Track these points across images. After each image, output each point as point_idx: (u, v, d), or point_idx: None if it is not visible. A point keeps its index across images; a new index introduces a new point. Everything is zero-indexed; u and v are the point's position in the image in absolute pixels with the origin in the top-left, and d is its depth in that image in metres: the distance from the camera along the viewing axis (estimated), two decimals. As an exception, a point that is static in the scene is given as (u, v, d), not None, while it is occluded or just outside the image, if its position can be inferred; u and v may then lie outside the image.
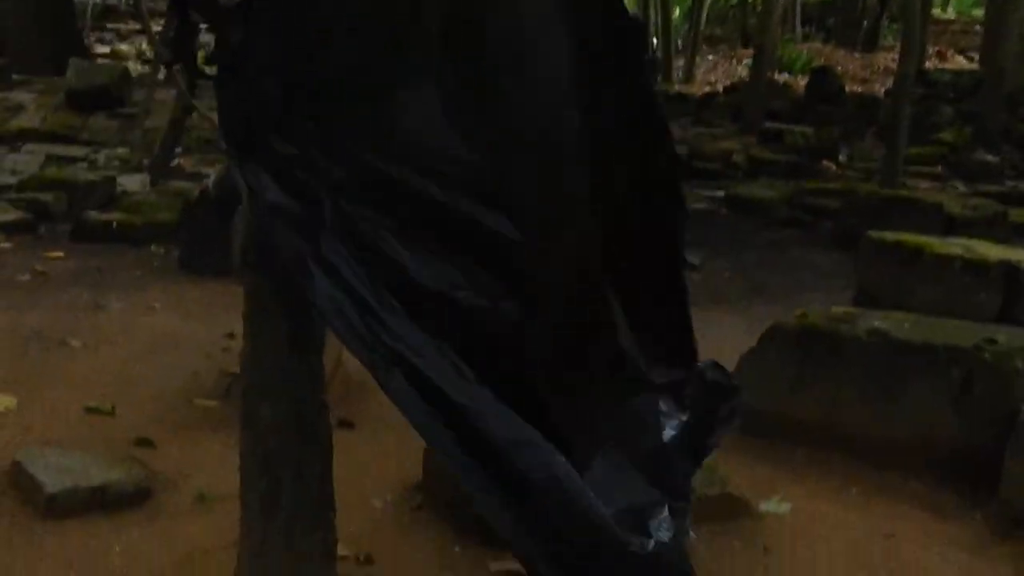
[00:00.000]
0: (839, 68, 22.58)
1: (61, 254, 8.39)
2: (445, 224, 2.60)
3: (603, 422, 2.90)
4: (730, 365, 5.28)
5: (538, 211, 2.70)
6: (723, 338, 6.54)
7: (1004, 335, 4.71)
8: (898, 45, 14.99)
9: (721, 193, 12.84)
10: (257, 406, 3.07)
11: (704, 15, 26.62)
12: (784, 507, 4.32)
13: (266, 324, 3.02)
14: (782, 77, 22.71)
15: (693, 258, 9.40)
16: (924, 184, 13.34)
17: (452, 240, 2.60)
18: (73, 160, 12.52)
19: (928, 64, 22.38)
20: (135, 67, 17.82)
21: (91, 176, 10.85)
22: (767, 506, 4.31)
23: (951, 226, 9.47)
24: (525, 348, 2.65)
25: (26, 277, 7.63)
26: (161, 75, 13.00)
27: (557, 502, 2.54)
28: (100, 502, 3.95)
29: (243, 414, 3.15)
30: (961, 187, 13.41)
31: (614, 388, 2.96)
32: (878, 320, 4.93)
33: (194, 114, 11.34)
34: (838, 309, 5.16)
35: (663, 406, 3.06)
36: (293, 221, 2.60)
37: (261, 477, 3.10)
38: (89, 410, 4.97)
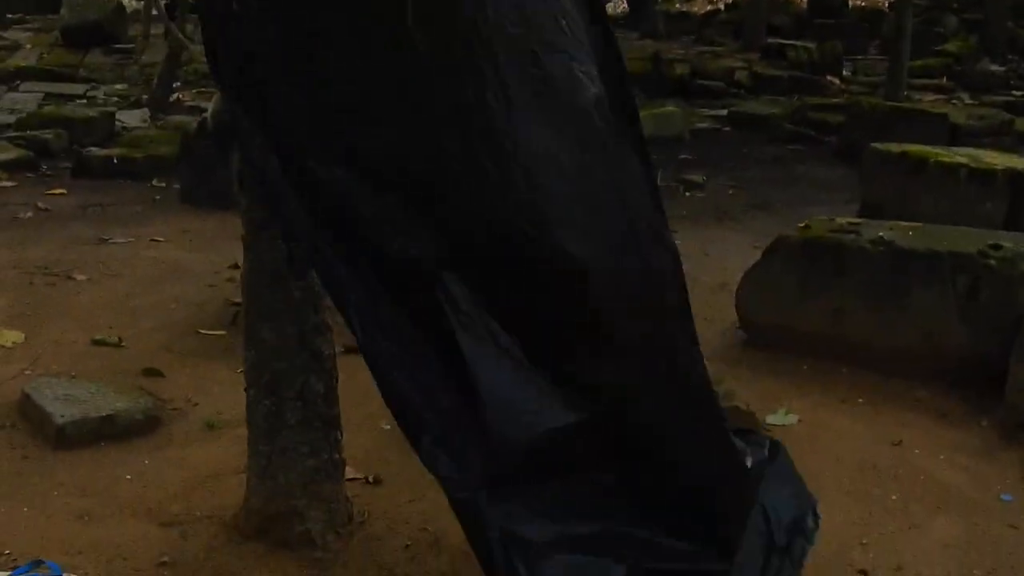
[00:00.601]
0: (842, -18, 22.24)
1: (63, 191, 8.38)
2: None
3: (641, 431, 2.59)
4: (735, 281, 5.29)
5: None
6: (727, 254, 6.56)
7: (1009, 241, 4.69)
8: (901, -44, 14.74)
9: (724, 111, 12.75)
10: (258, 328, 3.07)
11: (704, -68, 26.21)
12: (791, 418, 4.33)
13: (264, 246, 3.01)
14: (784, -7, 22.41)
15: (697, 176, 9.38)
16: (929, 96, 13.22)
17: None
18: (71, 97, 12.46)
19: (933, -26, 22.05)
20: (129, 2, 17.64)
21: (90, 113, 10.80)
22: (774, 418, 4.31)
23: (956, 137, 9.41)
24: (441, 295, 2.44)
25: (29, 214, 7.62)
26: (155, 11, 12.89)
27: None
28: (109, 431, 3.96)
29: (245, 336, 3.16)
30: (967, 98, 13.28)
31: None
32: (882, 230, 4.90)
33: (191, 47, 11.25)
34: (842, 220, 5.14)
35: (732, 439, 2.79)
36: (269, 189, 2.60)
37: (265, 398, 3.12)
38: (96, 342, 4.98)
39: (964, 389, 4.53)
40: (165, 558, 3.16)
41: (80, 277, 6.05)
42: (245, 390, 3.22)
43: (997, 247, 4.59)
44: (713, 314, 5.64)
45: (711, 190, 9.11)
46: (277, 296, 3.03)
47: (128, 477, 3.70)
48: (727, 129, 12.20)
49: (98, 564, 3.12)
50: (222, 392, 4.32)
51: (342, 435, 3.26)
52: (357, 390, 3.57)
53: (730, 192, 9.07)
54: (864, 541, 3.42)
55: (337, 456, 3.23)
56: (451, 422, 2.42)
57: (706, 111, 12.93)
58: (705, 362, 4.25)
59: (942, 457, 4.04)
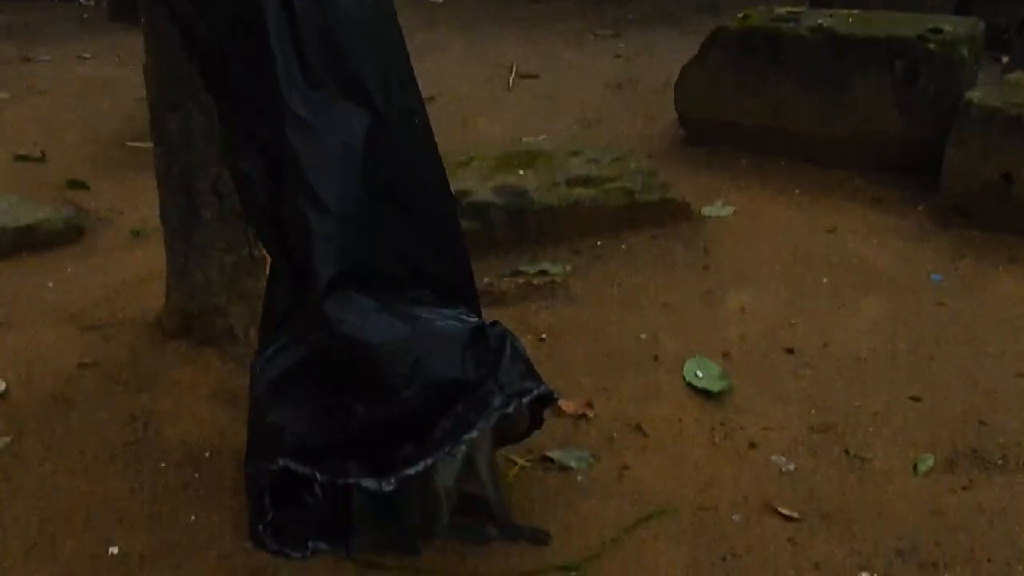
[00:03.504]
0: None
1: (-13, 12, 8.08)
2: None
3: None
4: (676, 79, 5.18)
5: None
6: (672, 54, 6.41)
7: (950, 24, 4.58)
8: None
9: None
10: (164, 120, 2.97)
11: None
12: (727, 210, 4.29)
13: (164, 36, 2.87)
14: None
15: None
16: None
17: None
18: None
19: None
20: None
21: (14, -68, 10.34)
22: (709, 210, 4.27)
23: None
24: None
25: (-50, 35, 7.35)
26: None
27: None
28: (30, 241, 3.88)
29: (152, 130, 3.05)
30: None
31: None
32: (822, 17, 4.77)
33: None
34: (781, 9, 4.99)
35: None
36: None
37: (177, 195, 3.04)
38: (18, 158, 4.85)
39: (902, 176, 4.50)
40: (87, 360, 3.12)
41: (3, 95, 5.86)
42: (157, 187, 3.13)
43: (937, 31, 4.49)
44: (654, 113, 5.56)
45: (660, -6, 8.88)
46: (180, 86, 2.91)
47: (50, 285, 3.64)
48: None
49: (17, 369, 3.07)
50: (149, 201, 4.11)
51: (261, 230, 3.18)
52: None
53: (679, -5, 8.85)
54: (793, 322, 3.42)
55: (257, 252, 3.15)
56: None
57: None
58: (635, 158, 4.21)
59: (875, 242, 4.03)
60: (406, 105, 2.42)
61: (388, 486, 2.25)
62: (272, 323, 2.42)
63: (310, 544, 2.36)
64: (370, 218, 2.35)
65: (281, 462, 2.31)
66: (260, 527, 2.37)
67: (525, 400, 2.31)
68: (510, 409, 2.27)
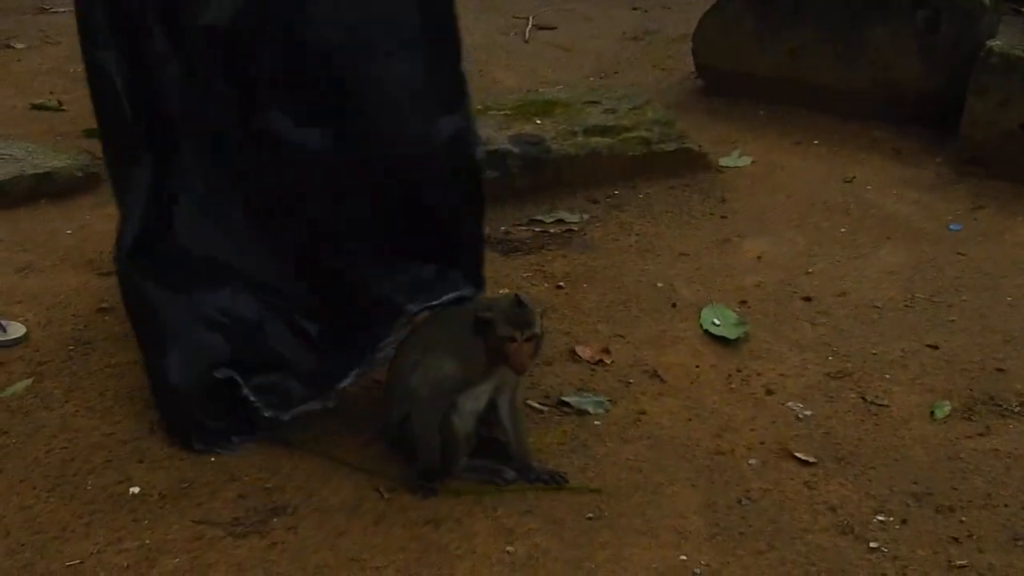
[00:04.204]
0: None
1: (1, -38, 8.03)
2: None
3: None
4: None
5: None
6: (689, 6, 6.35)
7: (972, -28, 4.53)
8: None
9: None
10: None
11: None
12: (744, 160, 4.27)
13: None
14: None
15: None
16: None
17: None
18: None
19: None
20: None
21: None
22: (727, 160, 4.26)
23: None
24: None
25: (-36, -14, 7.31)
26: None
27: None
28: (48, 189, 3.89)
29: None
30: None
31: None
32: (842, -34, 4.73)
33: None
34: (803, -42, 4.93)
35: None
36: None
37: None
38: (35, 107, 4.85)
39: (920, 127, 4.47)
40: (105, 304, 3.13)
41: (19, 45, 5.84)
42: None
43: (959, -22, 4.44)
44: (671, 64, 5.53)
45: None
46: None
47: (68, 232, 3.65)
48: None
49: (38, 312, 3.09)
50: (165, 150, 4.21)
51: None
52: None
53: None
54: (810, 270, 3.42)
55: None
56: None
57: None
58: (653, 108, 4.19)
59: (894, 192, 4.01)
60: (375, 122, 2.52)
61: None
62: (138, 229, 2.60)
63: (234, 439, 2.52)
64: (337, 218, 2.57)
65: (221, 372, 2.51)
66: (193, 432, 2.50)
67: (438, 302, 2.56)
68: (415, 308, 2.56)
